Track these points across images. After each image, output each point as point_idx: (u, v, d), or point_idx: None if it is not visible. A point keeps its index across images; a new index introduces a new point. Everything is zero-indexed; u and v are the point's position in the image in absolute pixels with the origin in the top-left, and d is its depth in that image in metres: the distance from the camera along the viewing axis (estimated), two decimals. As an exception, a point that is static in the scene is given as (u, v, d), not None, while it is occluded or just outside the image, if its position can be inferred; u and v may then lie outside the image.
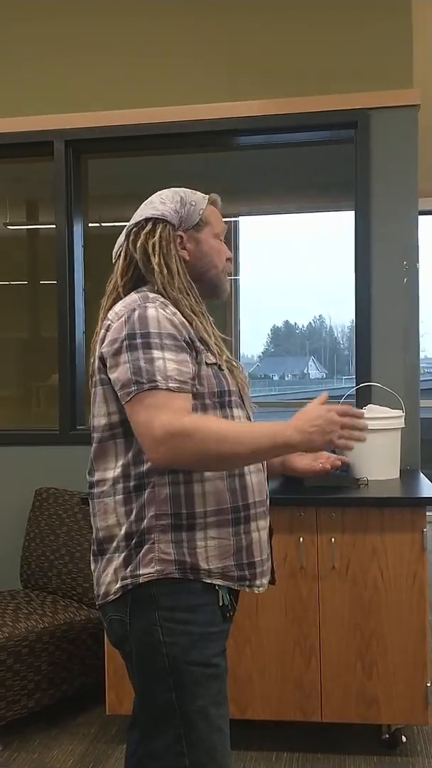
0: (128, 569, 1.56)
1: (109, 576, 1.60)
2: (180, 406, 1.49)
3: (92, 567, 1.66)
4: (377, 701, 2.60)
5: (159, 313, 1.55)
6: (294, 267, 3.73)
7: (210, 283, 1.73)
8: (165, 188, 1.75)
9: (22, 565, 3.27)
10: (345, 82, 3.23)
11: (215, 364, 1.62)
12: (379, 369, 3.23)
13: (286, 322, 4.78)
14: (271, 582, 1.73)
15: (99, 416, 1.62)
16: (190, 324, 1.61)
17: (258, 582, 1.66)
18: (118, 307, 1.61)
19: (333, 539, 2.61)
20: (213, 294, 1.76)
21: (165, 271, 1.64)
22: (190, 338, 1.58)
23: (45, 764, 2.63)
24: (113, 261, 1.73)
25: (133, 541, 1.57)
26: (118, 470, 1.59)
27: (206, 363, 1.59)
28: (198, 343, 1.59)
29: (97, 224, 3.73)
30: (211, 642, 1.58)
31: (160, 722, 1.56)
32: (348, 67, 3.23)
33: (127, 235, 1.70)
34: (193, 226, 1.70)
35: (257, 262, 3.97)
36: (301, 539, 2.62)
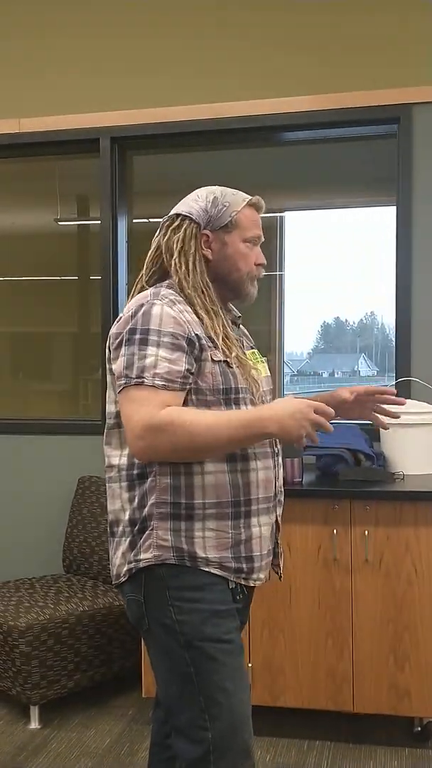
0: (132, 553, 1.63)
1: (118, 558, 1.67)
2: (162, 400, 1.52)
3: (109, 548, 1.74)
4: (409, 694, 2.61)
5: (164, 310, 1.59)
6: (345, 263, 3.72)
7: (232, 286, 1.75)
8: (211, 183, 1.77)
9: (65, 551, 3.37)
10: (388, 78, 3.22)
11: (223, 361, 1.63)
12: (419, 365, 3.22)
13: (337, 319, 4.75)
14: (278, 575, 1.78)
15: (109, 403, 1.68)
16: (201, 322, 1.63)
17: (255, 576, 1.68)
18: (131, 301, 1.67)
19: (367, 532, 2.62)
20: (235, 296, 1.78)
21: (183, 268, 1.67)
22: (196, 335, 1.60)
23: (83, 743, 2.72)
24: (149, 252, 1.78)
25: (136, 527, 1.63)
26: (124, 458, 1.65)
27: (212, 360, 1.61)
28: (204, 341, 1.61)
29: (145, 220, 3.80)
30: (221, 619, 1.62)
31: (182, 697, 1.62)
32: (391, 63, 3.23)
33: (160, 229, 1.75)
34: (221, 227, 1.71)
35: (306, 257, 3.98)
36: (335, 531, 2.64)
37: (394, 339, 3.37)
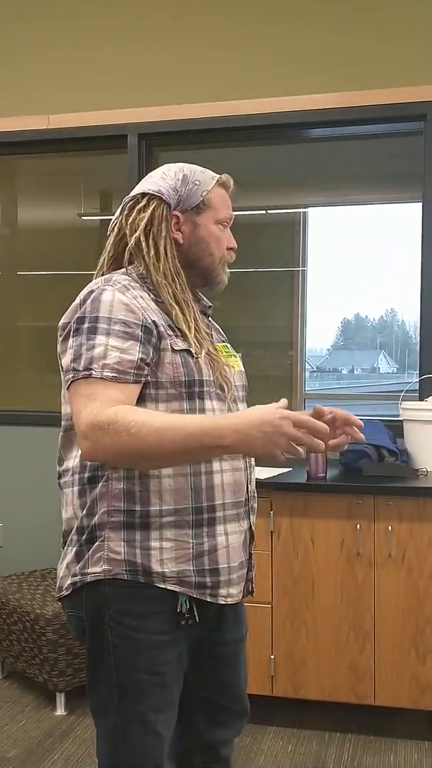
0: (78, 566, 1.49)
1: (62, 570, 1.54)
2: (112, 396, 1.37)
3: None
4: (430, 687, 2.63)
5: (115, 296, 1.45)
6: (366, 259, 3.74)
7: (203, 272, 1.61)
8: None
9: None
10: (414, 75, 3.23)
11: (185, 350, 1.48)
12: (443, 361, 3.23)
13: (357, 315, 4.76)
14: (250, 593, 1.62)
15: (64, 404, 1.53)
16: (169, 313, 1.50)
17: (223, 591, 1.51)
18: (84, 289, 1.53)
19: (390, 527, 2.65)
20: (206, 283, 1.64)
21: (152, 252, 1.53)
22: (152, 321, 1.46)
23: (107, 730, 2.76)
24: (107, 234, 1.64)
25: (84, 536, 1.48)
26: (76, 460, 1.50)
27: (173, 349, 1.47)
28: (163, 329, 1.47)
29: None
30: (160, 650, 1.49)
31: (103, 712, 1.53)
32: (417, 60, 3.23)
33: (122, 209, 1.60)
34: (192, 208, 1.58)
35: (327, 254, 3.99)
36: (359, 526, 2.66)
37: (414, 336, 3.38)
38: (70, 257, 3.97)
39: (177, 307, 1.51)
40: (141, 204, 1.57)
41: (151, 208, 1.56)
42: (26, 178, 3.97)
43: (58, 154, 3.79)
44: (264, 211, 3.89)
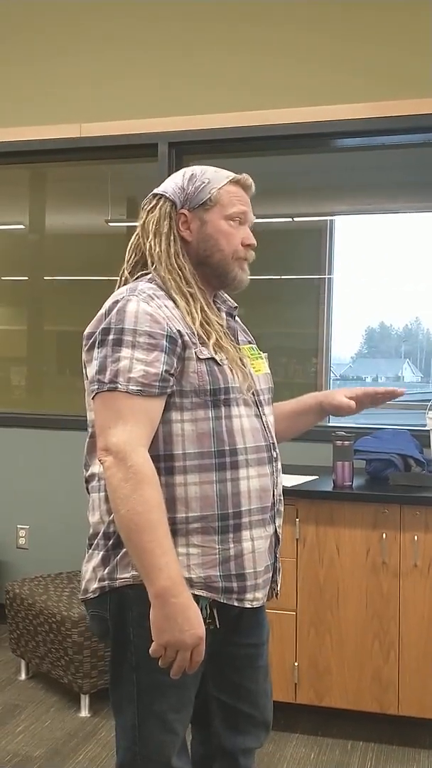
0: (106, 570, 1.52)
1: (88, 573, 1.56)
2: (140, 418, 1.42)
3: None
4: (455, 699, 2.63)
5: (140, 307, 1.48)
6: (391, 268, 3.74)
7: (216, 269, 1.60)
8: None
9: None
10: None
11: (210, 359, 1.50)
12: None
13: (382, 324, 4.76)
14: (275, 595, 1.63)
15: (89, 410, 1.54)
16: (176, 306, 1.52)
17: (250, 596, 1.53)
18: (109, 299, 1.56)
19: (416, 537, 2.65)
20: (222, 283, 1.64)
21: (156, 249, 1.57)
22: (177, 331, 1.48)
23: (130, 733, 2.78)
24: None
25: (111, 541, 1.50)
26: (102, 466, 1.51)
27: (197, 358, 1.49)
28: (188, 338, 1.49)
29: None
30: None
31: (122, 708, 1.56)
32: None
33: (141, 213, 1.65)
34: (200, 205, 1.58)
35: (353, 262, 4.01)
36: (384, 536, 2.67)
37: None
38: (97, 263, 4.02)
39: (182, 300, 1.53)
40: (151, 205, 1.62)
41: (158, 207, 1.60)
42: (55, 184, 4.02)
43: (92, 162, 3.84)
44: (290, 219, 3.91)
